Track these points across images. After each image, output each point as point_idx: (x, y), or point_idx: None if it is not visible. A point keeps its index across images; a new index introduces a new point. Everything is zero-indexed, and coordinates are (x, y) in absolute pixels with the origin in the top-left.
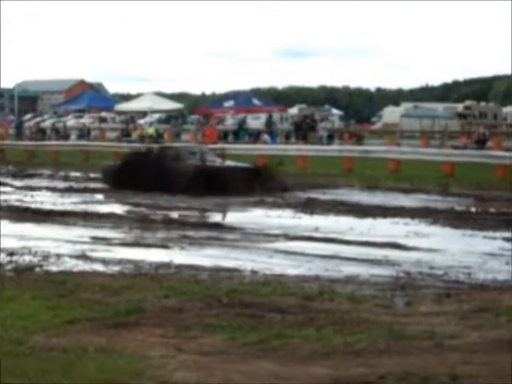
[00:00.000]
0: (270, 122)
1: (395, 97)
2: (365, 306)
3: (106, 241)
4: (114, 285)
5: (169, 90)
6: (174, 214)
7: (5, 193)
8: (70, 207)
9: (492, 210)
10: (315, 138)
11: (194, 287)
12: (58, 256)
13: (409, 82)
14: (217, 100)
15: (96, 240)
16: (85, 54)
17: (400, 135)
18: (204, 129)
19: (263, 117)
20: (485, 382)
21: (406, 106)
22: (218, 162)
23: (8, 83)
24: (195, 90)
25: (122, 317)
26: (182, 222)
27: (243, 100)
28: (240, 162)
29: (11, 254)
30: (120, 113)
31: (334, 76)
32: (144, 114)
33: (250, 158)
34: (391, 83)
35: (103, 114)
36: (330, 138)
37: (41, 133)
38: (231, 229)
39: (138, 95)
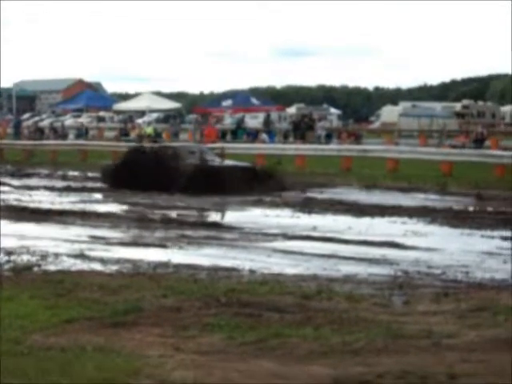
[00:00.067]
0: (267, 122)
1: (393, 96)
2: (363, 305)
3: (105, 240)
4: (112, 284)
5: (167, 90)
6: (173, 214)
7: (3, 192)
8: (68, 206)
9: (490, 209)
10: (313, 138)
11: (193, 286)
12: (56, 255)
13: (407, 82)
14: (215, 99)
15: (94, 239)
16: (83, 54)
17: (398, 134)
18: (203, 128)
19: (261, 116)
20: (483, 381)
21: (404, 105)
22: (217, 161)
23: (6, 82)
24: (193, 89)
25: (120, 316)
26: (181, 222)
27: (241, 99)
28: (239, 162)
29: (9, 253)
30: (118, 112)
31: (333, 75)
32: (142, 113)
33: (248, 157)
34: (389, 82)
35: (101, 114)
36: (328, 138)
37: (39, 132)
38: (229, 228)
39: (136, 95)
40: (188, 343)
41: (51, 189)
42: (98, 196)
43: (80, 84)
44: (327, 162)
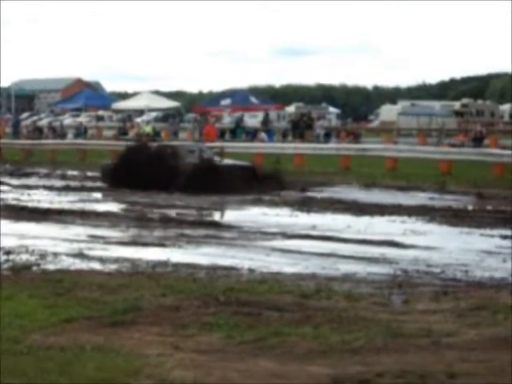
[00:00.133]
0: (266, 121)
1: (392, 95)
2: (362, 304)
3: (104, 239)
4: (111, 283)
5: (166, 89)
6: (172, 213)
7: (2, 191)
8: (67, 206)
9: (489, 207)
10: (312, 136)
11: (191, 285)
12: (55, 255)
13: (406, 80)
14: (214, 98)
15: (93, 238)
16: (81, 53)
17: (397, 133)
18: (202, 127)
19: (260, 115)
20: (482, 380)
21: (403, 104)
22: (216, 160)
23: (5, 82)
24: (192, 88)
25: (119, 315)
26: (180, 221)
27: (240, 98)
28: (238, 161)
29: (8, 252)
30: (117, 111)
31: (331, 74)
32: (141, 112)
33: (247, 156)
34: (388, 81)
35: (100, 113)
36: (327, 136)
37: (38, 131)
38: (228, 227)
39: (134, 94)
40: (187, 342)
41: (50, 188)
42: (97, 195)
43: (79, 83)
44: (326, 161)
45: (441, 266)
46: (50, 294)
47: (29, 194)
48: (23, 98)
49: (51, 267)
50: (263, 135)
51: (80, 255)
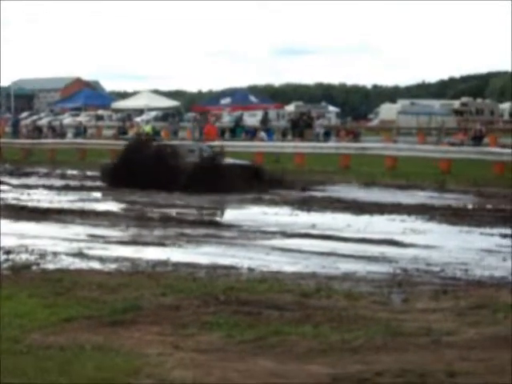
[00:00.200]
0: (265, 120)
1: (392, 94)
2: (362, 303)
3: (103, 239)
4: (110, 283)
5: (165, 88)
6: (172, 212)
7: (2, 191)
8: (66, 205)
9: (489, 206)
10: (312, 135)
11: (191, 285)
12: (55, 254)
13: (405, 79)
14: (213, 97)
15: (93, 238)
16: (81, 52)
17: (397, 132)
18: (202, 126)
19: (260, 114)
20: (482, 379)
21: (402, 103)
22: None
23: (4, 81)
24: (192, 87)
25: (119, 315)
26: (180, 220)
27: (240, 97)
28: (238, 160)
29: (8, 252)
30: (117, 111)
31: (331, 73)
32: (141, 111)
33: (246, 155)
34: (388, 80)
35: (100, 112)
36: (327, 135)
37: (37, 131)
38: (228, 226)
39: (134, 93)
40: (187, 341)
41: (50, 188)
42: (97, 195)
43: (78, 82)
44: (326, 160)
45: (440, 264)
46: (50, 294)
47: (28, 194)
48: (23, 98)
49: (51, 267)
50: (263, 134)
51: (80, 255)
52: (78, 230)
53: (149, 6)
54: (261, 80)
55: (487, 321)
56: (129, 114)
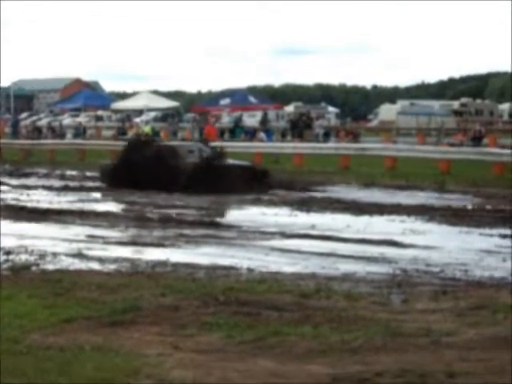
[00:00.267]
0: (265, 120)
1: (391, 94)
2: (361, 304)
3: (103, 239)
4: (110, 283)
5: (165, 89)
6: (171, 213)
7: (1, 192)
8: (66, 206)
9: (488, 207)
10: (311, 136)
11: (191, 285)
12: (55, 255)
13: (405, 80)
14: (213, 98)
15: (92, 238)
16: (80, 53)
17: (396, 133)
18: (202, 127)
19: (259, 115)
20: (481, 379)
21: (402, 104)
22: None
23: (4, 82)
24: (191, 88)
25: (118, 315)
26: (179, 221)
27: (239, 98)
28: (237, 160)
29: (8, 252)
30: (116, 111)
31: (330, 74)
32: (140, 112)
33: (246, 155)
34: (387, 81)
35: (99, 113)
36: (326, 136)
37: (37, 131)
38: (228, 227)
39: (133, 93)
40: (186, 342)
41: (49, 188)
42: (97, 195)
43: (78, 83)
44: (325, 161)
45: (440, 265)
46: (50, 294)
47: (28, 194)
48: (22, 98)
49: (50, 267)
50: (262, 135)
51: (79, 255)
52: (78, 231)
53: (148, 6)
54: (260, 80)
55: (487, 321)
56: (128, 115)
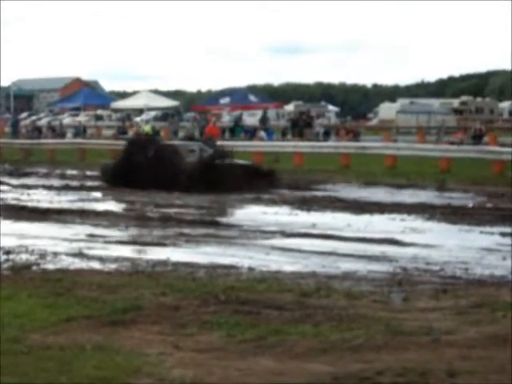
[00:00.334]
0: (264, 119)
1: (391, 93)
2: (362, 302)
3: (103, 239)
4: (110, 282)
5: (164, 88)
6: (171, 212)
7: (1, 191)
8: (66, 205)
9: (489, 205)
10: (311, 135)
11: (191, 284)
12: (55, 254)
13: (405, 78)
14: (213, 97)
15: (93, 238)
16: (80, 52)
17: (396, 131)
18: (202, 126)
19: (259, 114)
20: (482, 378)
21: (402, 102)
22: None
23: (4, 81)
24: (191, 87)
25: (119, 314)
26: (179, 220)
27: (239, 97)
28: (238, 160)
29: (8, 252)
30: (116, 110)
31: (330, 73)
32: (140, 111)
33: (246, 155)
34: (387, 79)
35: (99, 112)
36: (327, 135)
37: (37, 131)
38: (228, 226)
39: (133, 93)
40: (187, 341)
41: (50, 188)
42: (97, 195)
43: (77, 82)
44: (325, 160)
45: (440, 263)
46: (50, 294)
47: (28, 194)
48: (22, 98)
49: (51, 267)
50: (262, 134)
51: (79, 255)
52: (78, 230)
53: (148, 6)
54: (260, 79)
55: (487, 320)
56: (128, 114)
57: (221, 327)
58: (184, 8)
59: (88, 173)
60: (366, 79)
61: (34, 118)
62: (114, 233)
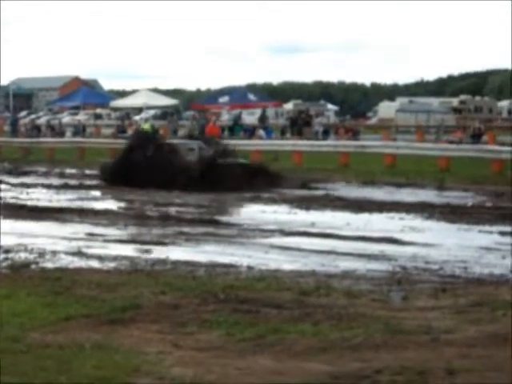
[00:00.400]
0: (263, 117)
1: (390, 92)
2: (361, 301)
3: (102, 237)
4: (109, 281)
5: (163, 87)
6: (171, 211)
7: (1, 190)
8: (65, 204)
9: (488, 204)
10: (311, 134)
11: (191, 283)
12: (54, 253)
13: (404, 77)
14: (212, 96)
15: (92, 236)
16: (79, 51)
17: (395, 130)
18: (202, 125)
19: (258, 112)
20: (481, 377)
21: (401, 101)
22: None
23: (3, 80)
24: (190, 86)
25: (118, 313)
26: (179, 218)
27: (238, 96)
28: (238, 158)
29: (7, 251)
30: (115, 109)
31: (330, 71)
32: (139, 110)
33: (245, 153)
34: (386, 78)
35: (98, 111)
36: (326, 134)
37: (36, 130)
38: (227, 225)
39: (132, 91)
40: (186, 340)
41: (49, 186)
42: (96, 193)
43: (76, 81)
44: (325, 158)
45: (440, 262)
46: (49, 293)
47: (27, 193)
48: (21, 97)
49: (50, 265)
50: (261, 132)
51: (79, 253)
52: (77, 229)
53: (148, 6)
54: (259, 78)
55: (487, 318)
56: (127, 113)
57: (220, 326)
58: (184, 8)
59: (87, 171)
60: (365, 78)
61: (33, 116)
62: (113, 231)
